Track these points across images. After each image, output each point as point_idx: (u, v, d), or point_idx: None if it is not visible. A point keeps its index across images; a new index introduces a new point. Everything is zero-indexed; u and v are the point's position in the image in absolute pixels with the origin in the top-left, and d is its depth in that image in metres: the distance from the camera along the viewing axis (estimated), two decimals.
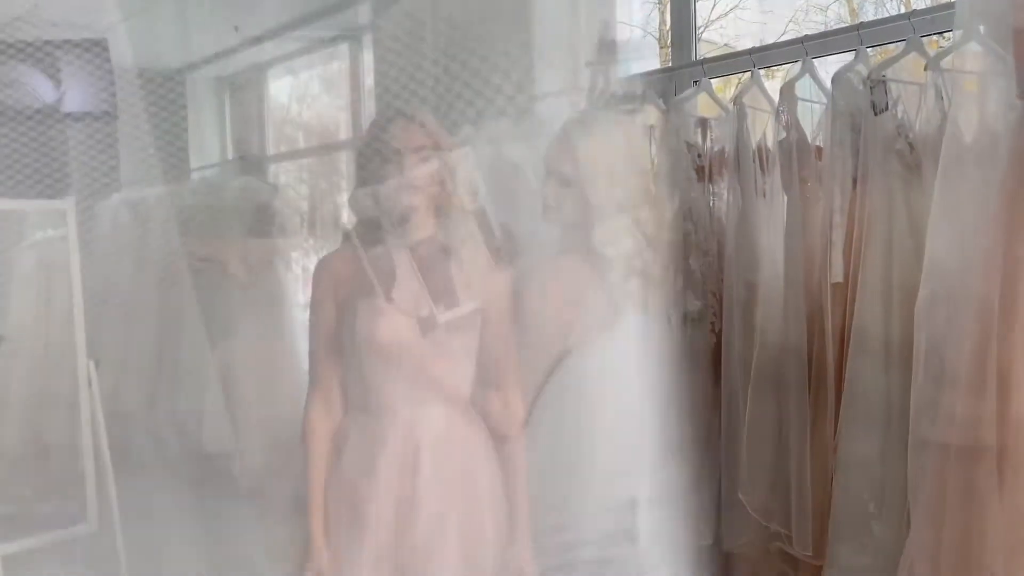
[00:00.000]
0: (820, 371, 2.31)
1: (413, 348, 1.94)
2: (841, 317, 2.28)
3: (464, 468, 2.00)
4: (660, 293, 2.52)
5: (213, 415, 2.59)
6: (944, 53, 2.15)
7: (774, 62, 2.74)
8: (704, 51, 3.63)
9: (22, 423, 2.44)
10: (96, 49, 2.45)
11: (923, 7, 2.37)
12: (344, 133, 3.22)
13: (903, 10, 3.20)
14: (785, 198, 2.45)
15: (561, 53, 3.69)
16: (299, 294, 2.92)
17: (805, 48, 2.48)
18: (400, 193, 1.93)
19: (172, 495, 2.38)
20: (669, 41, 3.42)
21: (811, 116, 2.47)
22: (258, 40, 3.33)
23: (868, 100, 2.23)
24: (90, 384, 2.36)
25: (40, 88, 2.40)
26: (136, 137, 2.42)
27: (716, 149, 2.64)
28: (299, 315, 2.83)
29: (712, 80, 2.84)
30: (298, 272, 2.98)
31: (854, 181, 2.26)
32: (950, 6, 2.08)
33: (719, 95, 2.80)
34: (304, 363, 2.13)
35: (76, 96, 2.46)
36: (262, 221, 3.05)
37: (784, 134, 2.44)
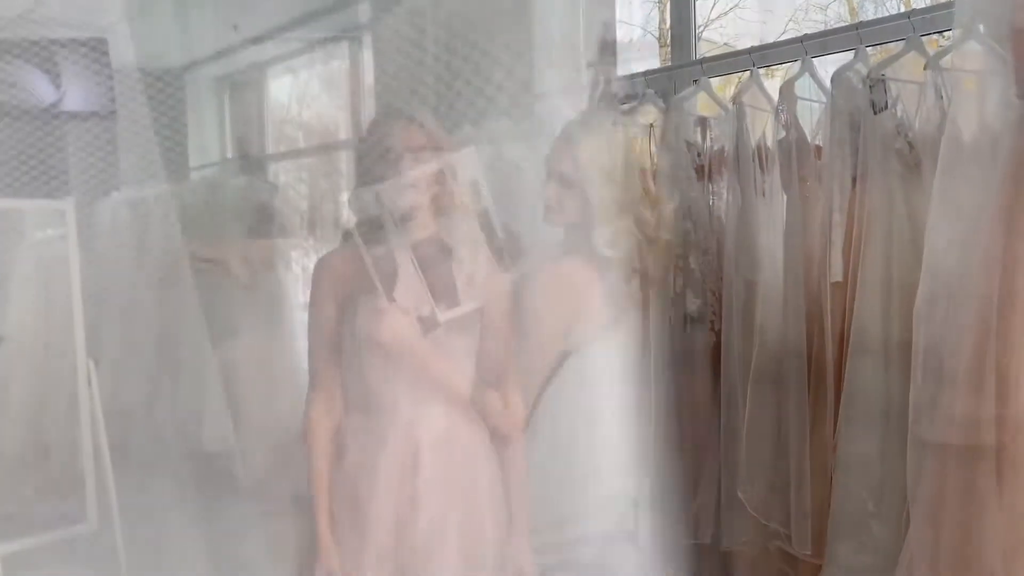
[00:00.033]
0: (819, 370, 2.31)
1: (414, 347, 1.94)
2: (840, 316, 2.28)
3: (465, 468, 2.01)
4: (661, 293, 2.52)
5: (213, 414, 2.59)
6: (943, 52, 2.15)
7: (774, 61, 2.73)
8: (704, 50, 3.64)
9: (22, 423, 2.44)
10: (96, 48, 2.45)
11: (923, 6, 2.37)
12: (345, 133, 3.22)
13: (903, 9, 3.19)
14: (784, 197, 2.45)
15: (562, 53, 3.69)
16: (299, 294, 2.92)
17: (804, 47, 2.48)
18: (402, 192, 1.93)
19: (172, 494, 2.38)
20: (669, 40, 3.42)
21: (811, 115, 2.46)
22: (258, 39, 3.33)
23: (867, 99, 2.22)
24: (90, 383, 2.36)
25: (40, 87, 2.41)
26: (136, 136, 2.42)
27: (715, 148, 2.64)
28: (300, 315, 2.84)
29: (712, 79, 2.83)
30: (298, 272, 2.98)
31: (853, 180, 2.26)
32: (950, 5, 2.08)
33: (719, 94, 2.79)
34: (305, 363, 2.14)
35: (76, 95, 2.46)
36: (262, 220, 3.05)
37: (784, 133, 2.44)
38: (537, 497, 2.24)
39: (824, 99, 2.40)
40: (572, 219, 2.45)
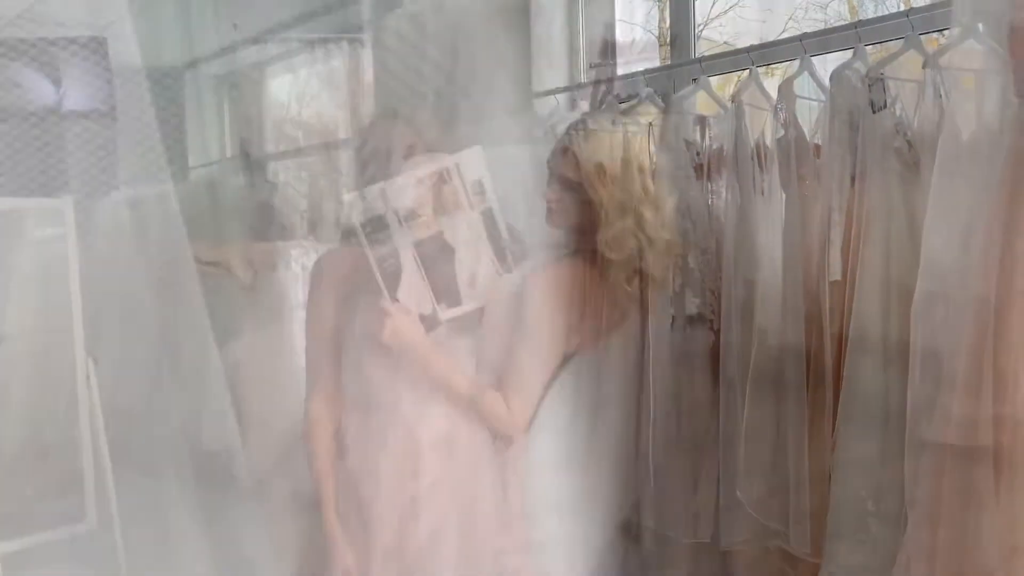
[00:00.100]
0: (818, 368, 2.31)
1: (416, 347, 1.95)
2: (840, 315, 2.27)
3: (466, 468, 2.01)
4: (662, 293, 2.52)
5: (213, 414, 2.59)
6: (942, 51, 2.14)
7: (773, 60, 2.73)
8: (704, 49, 3.63)
9: (21, 422, 2.44)
10: (95, 47, 2.45)
11: (922, 5, 2.36)
12: (345, 132, 3.22)
13: (903, 8, 3.19)
14: (783, 196, 2.45)
15: (562, 54, 3.69)
16: (300, 294, 2.92)
17: (804, 46, 2.48)
18: (407, 191, 1.94)
19: (172, 494, 2.38)
20: (668, 39, 3.41)
21: (810, 114, 2.46)
22: (258, 39, 3.33)
23: (866, 98, 2.22)
24: (89, 382, 2.36)
25: (39, 86, 2.41)
26: (135, 136, 2.42)
27: (714, 147, 2.64)
28: (302, 316, 2.84)
29: (712, 78, 2.83)
30: (299, 272, 2.98)
31: (852, 179, 2.26)
32: (949, 3, 2.08)
33: (718, 93, 2.79)
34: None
35: (76, 94, 2.46)
36: (262, 220, 3.05)
37: (782, 132, 2.44)
38: (539, 498, 2.24)
39: (823, 98, 2.39)
40: (574, 220, 2.45)
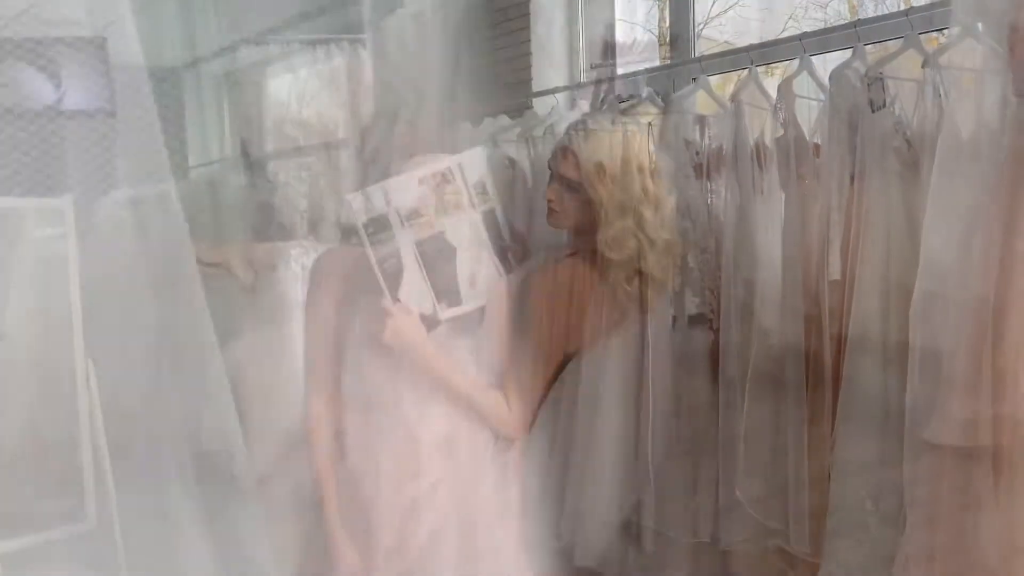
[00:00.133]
0: (818, 368, 2.31)
1: (417, 348, 1.94)
2: (839, 314, 2.27)
3: (467, 468, 2.01)
4: (662, 293, 2.53)
5: (213, 413, 2.59)
6: (942, 50, 2.14)
7: (772, 59, 2.73)
8: (704, 48, 3.63)
9: (21, 422, 2.44)
10: (95, 46, 2.45)
11: (922, 4, 2.36)
12: (346, 132, 3.22)
13: (903, 7, 3.19)
14: (783, 195, 2.45)
15: (563, 53, 3.69)
16: (301, 294, 2.92)
17: (803, 45, 2.48)
18: (407, 191, 1.94)
19: (172, 493, 2.38)
20: (668, 39, 3.42)
21: (809, 113, 2.46)
22: (258, 39, 3.33)
23: (866, 97, 2.22)
24: (89, 383, 2.36)
25: (39, 86, 2.40)
26: (135, 135, 2.41)
27: (714, 146, 2.64)
28: (302, 315, 2.84)
29: (712, 78, 2.83)
30: (298, 271, 2.98)
31: (852, 178, 2.26)
32: (948, 2, 2.08)
33: (718, 92, 2.79)
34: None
35: (75, 94, 2.46)
36: (263, 220, 3.05)
37: (782, 131, 2.44)
38: (541, 499, 2.24)
39: (823, 97, 2.39)
40: (575, 221, 2.46)
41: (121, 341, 2.63)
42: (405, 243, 1.95)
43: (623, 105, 2.83)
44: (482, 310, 2.02)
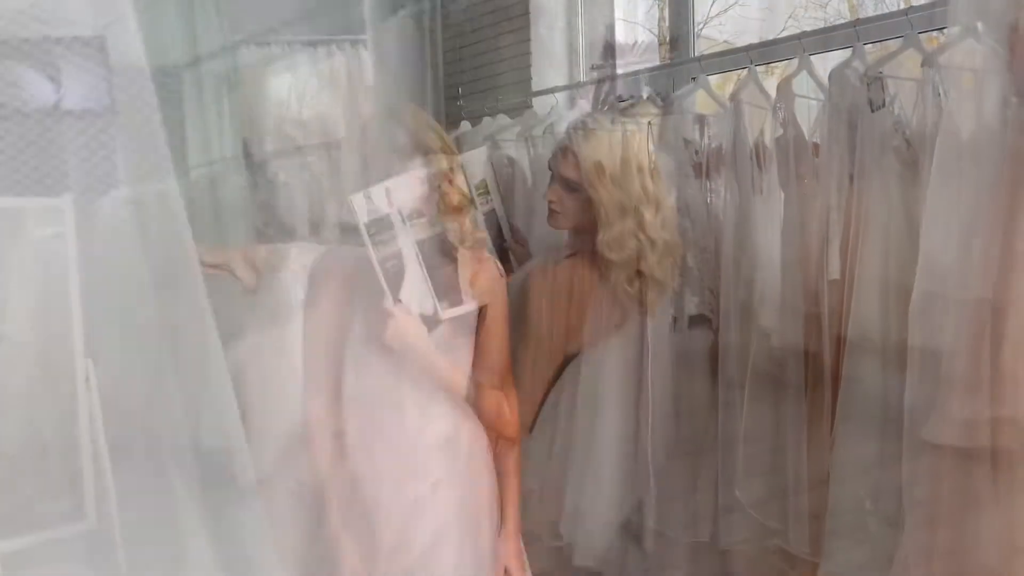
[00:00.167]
0: (817, 367, 2.31)
1: (418, 348, 1.94)
2: (839, 314, 2.27)
3: (468, 468, 2.01)
4: (662, 293, 2.53)
5: (215, 413, 2.59)
6: (941, 49, 2.14)
7: (772, 59, 2.73)
8: (704, 47, 3.63)
9: (20, 422, 2.44)
10: (94, 46, 2.45)
11: (921, 3, 2.36)
12: (346, 131, 3.22)
13: (903, 6, 3.18)
14: (782, 195, 2.45)
15: (563, 53, 3.69)
16: (302, 294, 2.92)
17: (803, 45, 2.48)
18: (409, 191, 1.94)
19: (172, 493, 2.38)
20: (668, 38, 3.42)
21: (809, 113, 2.46)
22: (259, 38, 3.33)
23: (865, 97, 2.22)
24: (89, 382, 2.36)
25: (38, 85, 2.40)
26: (135, 134, 2.41)
27: (713, 146, 2.64)
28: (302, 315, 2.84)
29: (712, 77, 2.84)
30: (300, 272, 2.98)
31: (851, 178, 2.26)
32: (948, 2, 2.08)
33: (717, 92, 2.79)
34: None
35: (75, 93, 2.46)
36: (263, 220, 3.05)
37: (781, 131, 2.44)
38: (541, 499, 2.25)
39: (822, 97, 2.39)
40: (575, 221, 2.46)
41: (121, 341, 2.63)
42: (407, 243, 1.95)
43: (623, 105, 2.83)
44: (483, 310, 2.02)
